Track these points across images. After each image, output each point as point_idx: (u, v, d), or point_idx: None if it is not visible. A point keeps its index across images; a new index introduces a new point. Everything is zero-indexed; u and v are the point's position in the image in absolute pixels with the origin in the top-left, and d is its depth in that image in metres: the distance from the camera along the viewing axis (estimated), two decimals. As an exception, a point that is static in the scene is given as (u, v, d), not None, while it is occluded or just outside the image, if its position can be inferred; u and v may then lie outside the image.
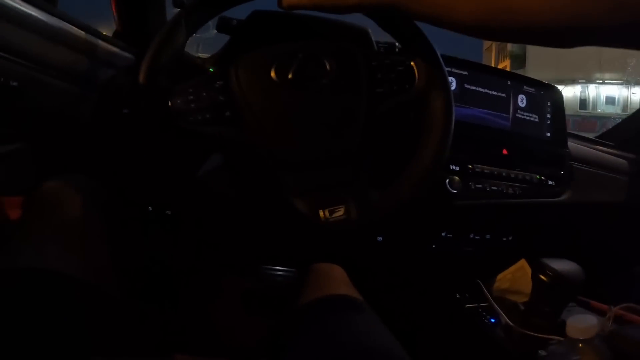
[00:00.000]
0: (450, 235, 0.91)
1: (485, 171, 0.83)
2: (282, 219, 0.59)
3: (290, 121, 0.58)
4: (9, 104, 0.66)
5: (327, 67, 0.59)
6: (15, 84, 0.65)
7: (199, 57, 0.78)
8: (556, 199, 0.90)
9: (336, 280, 0.73)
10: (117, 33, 0.84)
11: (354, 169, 0.60)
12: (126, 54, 0.79)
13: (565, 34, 0.42)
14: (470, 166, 0.82)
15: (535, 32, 0.43)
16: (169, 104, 0.55)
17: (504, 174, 0.84)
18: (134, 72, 0.71)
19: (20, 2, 0.64)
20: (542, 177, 0.88)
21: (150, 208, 0.83)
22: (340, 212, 0.58)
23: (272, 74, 0.58)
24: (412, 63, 0.61)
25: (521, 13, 0.42)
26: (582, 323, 0.70)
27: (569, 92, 19.12)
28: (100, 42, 0.75)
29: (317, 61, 0.58)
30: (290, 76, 0.57)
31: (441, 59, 0.61)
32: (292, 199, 0.58)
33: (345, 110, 0.59)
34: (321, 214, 0.58)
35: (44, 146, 0.76)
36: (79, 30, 0.73)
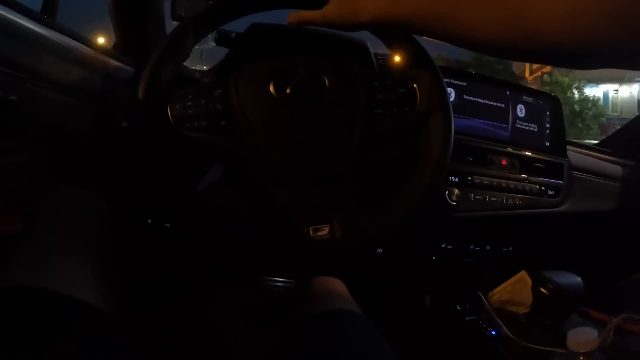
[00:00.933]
0: (450, 247, 0.90)
1: (485, 182, 0.83)
2: (270, 233, 0.59)
3: (284, 136, 0.58)
4: (8, 117, 0.66)
5: (327, 83, 0.58)
6: (14, 97, 0.65)
7: (196, 71, 0.78)
8: (556, 209, 0.90)
9: (336, 293, 0.72)
10: (116, 45, 0.84)
11: (344, 188, 0.59)
12: (125, 67, 0.79)
13: (584, 57, 0.42)
14: (469, 177, 0.81)
15: (555, 55, 0.43)
16: (168, 109, 0.55)
17: (503, 184, 0.84)
18: (133, 86, 0.71)
19: (19, 15, 0.64)
20: (542, 187, 0.88)
21: (149, 220, 0.82)
22: (325, 231, 0.57)
23: (271, 87, 0.58)
24: (414, 85, 0.61)
25: (542, 35, 0.41)
26: (583, 336, 0.70)
27: (625, 92, 16.49)
28: (99, 55, 0.76)
29: (316, 77, 0.58)
30: (288, 91, 0.57)
31: (444, 83, 0.61)
32: (280, 214, 0.58)
33: (341, 129, 0.59)
34: (307, 231, 0.57)
35: (43, 159, 0.75)
36: (78, 43, 0.73)
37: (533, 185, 0.88)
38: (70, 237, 0.61)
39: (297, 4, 0.60)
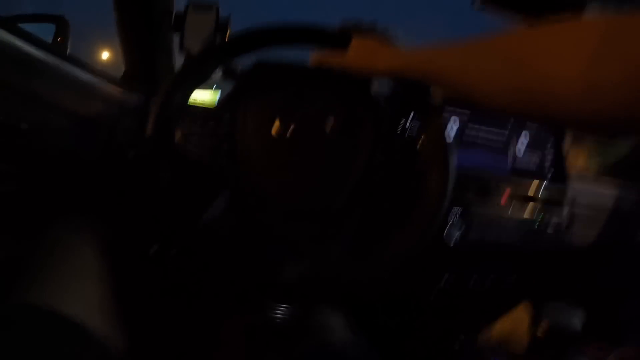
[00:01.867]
0: (451, 282, 0.90)
1: (486, 216, 0.83)
2: (249, 266, 0.60)
3: (280, 170, 0.60)
4: (19, 145, 0.67)
5: (329, 129, 0.60)
6: (25, 126, 0.66)
7: (202, 105, 0.80)
8: (558, 243, 0.89)
9: (337, 325, 0.73)
10: (125, 74, 0.86)
11: (333, 230, 0.61)
12: (134, 97, 0.80)
13: (604, 127, 0.37)
14: (469, 214, 0.81)
15: (573, 125, 0.40)
16: (177, 132, 0.58)
17: (505, 217, 0.84)
18: (141, 117, 0.72)
19: (31, 46, 0.66)
20: (544, 221, 0.88)
21: (155, 247, 0.83)
22: (302, 269, 0.58)
23: (275, 126, 0.59)
24: (417, 147, 0.60)
25: (560, 106, 0.37)
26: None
27: None
28: (107, 84, 0.77)
29: (320, 122, 0.59)
30: (291, 132, 0.59)
31: (450, 143, 0.59)
32: (263, 246, 0.60)
33: (337, 173, 0.60)
34: (288, 267, 0.58)
35: (51, 186, 0.77)
36: (87, 73, 0.74)
37: (535, 220, 0.87)
38: (76, 264, 0.62)
39: (314, 43, 0.61)
